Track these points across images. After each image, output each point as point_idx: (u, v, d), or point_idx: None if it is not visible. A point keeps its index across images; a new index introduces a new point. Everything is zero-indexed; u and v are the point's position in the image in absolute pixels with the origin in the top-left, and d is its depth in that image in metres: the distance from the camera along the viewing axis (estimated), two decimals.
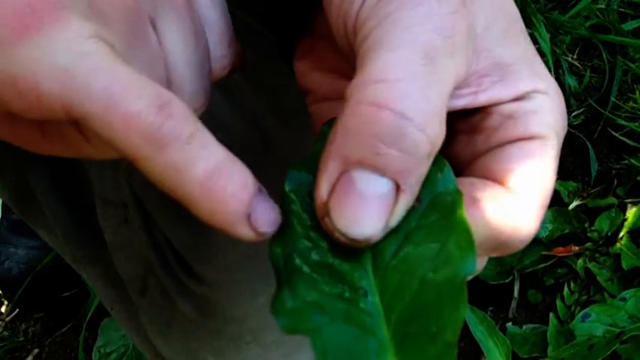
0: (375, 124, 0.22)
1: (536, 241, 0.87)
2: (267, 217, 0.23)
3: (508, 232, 0.24)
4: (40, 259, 1.08)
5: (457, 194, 0.24)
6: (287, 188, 0.25)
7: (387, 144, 0.22)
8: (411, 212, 0.24)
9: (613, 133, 0.95)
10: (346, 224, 0.22)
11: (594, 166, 0.93)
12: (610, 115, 0.95)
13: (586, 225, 0.87)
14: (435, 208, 0.24)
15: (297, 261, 0.24)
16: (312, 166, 0.24)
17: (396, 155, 0.22)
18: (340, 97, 0.24)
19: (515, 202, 0.25)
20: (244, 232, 0.23)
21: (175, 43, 0.26)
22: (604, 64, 0.98)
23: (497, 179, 0.25)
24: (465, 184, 0.25)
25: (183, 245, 0.50)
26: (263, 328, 0.52)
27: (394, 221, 0.23)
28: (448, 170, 0.24)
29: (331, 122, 0.25)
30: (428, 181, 0.24)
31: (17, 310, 1.12)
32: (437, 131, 0.23)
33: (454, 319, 0.23)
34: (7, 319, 1.13)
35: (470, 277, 0.24)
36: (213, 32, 0.29)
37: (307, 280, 0.24)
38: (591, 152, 0.93)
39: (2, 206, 1.10)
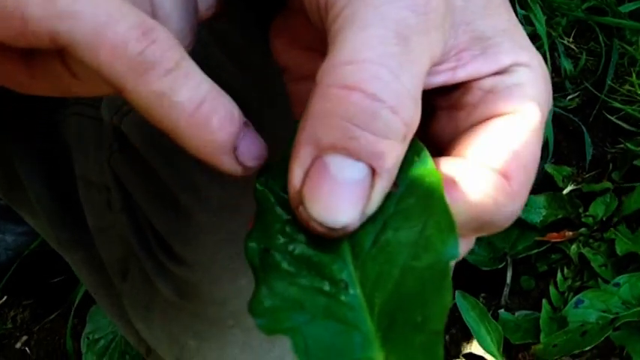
0: (346, 107, 0.21)
1: (529, 227, 0.86)
2: (253, 151, 0.23)
3: (491, 210, 0.24)
4: (29, 245, 1.07)
5: (435, 175, 0.23)
6: (259, 184, 0.24)
7: (360, 127, 0.21)
8: (388, 198, 0.23)
9: (608, 116, 0.94)
10: (321, 212, 0.22)
11: (589, 151, 0.92)
12: (606, 99, 0.93)
13: (580, 210, 0.86)
14: (413, 192, 0.23)
15: (274, 257, 0.23)
16: (285, 164, 0.23)
17: (370, 138, 0.21)
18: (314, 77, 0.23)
19: (497, 179, 0.24)
20: (230, 165, 0.23)
21: None
22: (600, 47, 0.96)
23: (478, 157, 0.24)
24: (443, 164, 0.24)
25: (164, 226, 0.49)
26: (245, 311, 0.51)
27: (371, 208, 0.22)
28: (425, 153, 0.23)
29: None
30: (404, 166, 0.23)
31: (5, 297, 1.12)
32: (411, 113, 0.22)
33: (439, 307, 0.22)
34: None
35: (454, 261, 0.23)
36: None
37: (285, 275, 0.23)
38: (586, 136, 0.92)
39: None
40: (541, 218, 0.86)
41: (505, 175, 0.24)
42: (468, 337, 0.84)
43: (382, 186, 0.22)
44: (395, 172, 0.22)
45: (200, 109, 0.22)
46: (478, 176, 0.24)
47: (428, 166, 0.23)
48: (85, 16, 0.20)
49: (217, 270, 0.49)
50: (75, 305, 1.01)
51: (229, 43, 0.45)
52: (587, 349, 0.74)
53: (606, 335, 0.74)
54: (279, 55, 0.30)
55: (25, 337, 1.08)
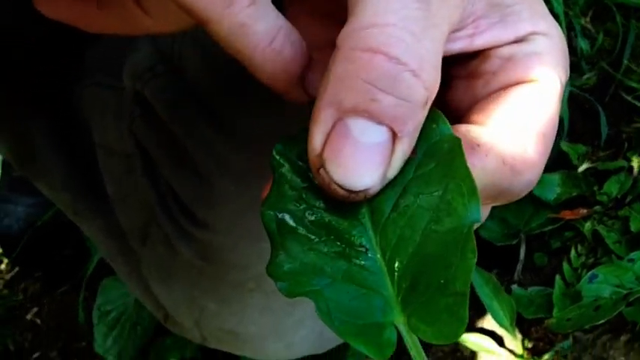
0: (369, 70, 0.21)
1: (543, 204, 0.86)
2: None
3: (509, 178, 0.24)
4: (39, 217, 1.07)
5: (455, 141, 0.23)
6: (275, 152, 0.24)
7: (382, 90, 0.21)
8: (407, 164, 0.23)
9: (624, 96, 0.93)
10: (343, 174, 0.22)
11: (604, 130, 0.91)
12: (622, 78, 0.93)
13: (595, 188, 0.86)
14: (432, 157, 0.23)
15: (291, 223, 0.24)
16: (302, 133, 0.24)
17: (392, 101, 0.21)
18: (333, 45, 0.23)
19: (514, 147, 0.24)
20: (297, 93, 0.24)
21: None
22: (617, 27, 0.96)
23: (497, 124, 0.25)
24: (461, 131, 0.24)
25: (186, 192, 0.49)
26: (266, 274, 0.51)
27: (392, 172, 0.22)
28: (443, 120, 0.24)
29: None
30: (423, 132, 0.23)
31: (17, 268, 1.12)
32: (432, 77, 0.22)
33: (463, 269, 0.22)
34: (7, 277, 1.12)
35: (476, 226, 0.23)
36: None
37: (303, 241, 0.23)
38: (602, 115, 0.92)
39: (2, 164, 1.09)
40: (555, 196, 0.86)
41: (523, 143, 0.24)
42: (480, 312, 0.85)
43: (403, 150, 0.22)
44: (415, 136, 0.23)
45: (275, 40, 0.23)
46: (496, 143, 0.24)
47: (447, 133, 0.23)
48: None
49: (240, 235, 0.49)
50: (86, 277, 1.02)
51: None
52: (599, 323, 0.75)
53: (619, 310, 0.74)
54: (293, 23, 0.30)
55: (35, 309, 1.09)
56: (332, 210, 0.24)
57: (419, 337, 0.23)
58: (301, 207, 0.24)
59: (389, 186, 0.23)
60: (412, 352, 0.22)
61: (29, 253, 1.07)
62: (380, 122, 0.21)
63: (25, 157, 0.55)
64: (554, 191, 0.86)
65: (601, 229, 0.82)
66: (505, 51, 0.25)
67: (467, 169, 0.22)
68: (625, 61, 0.94)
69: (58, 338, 1.05)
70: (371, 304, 0.23)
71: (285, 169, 0.24)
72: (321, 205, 0.24)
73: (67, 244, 1.07)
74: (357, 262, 0.23)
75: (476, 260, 0.22)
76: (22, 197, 1.08)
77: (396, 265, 0.23)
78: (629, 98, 0.93)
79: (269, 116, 0.44)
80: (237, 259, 0.51)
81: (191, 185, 0.49)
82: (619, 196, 0.85)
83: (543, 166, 0.25)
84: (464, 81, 0.27)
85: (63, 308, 1.07)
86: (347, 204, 0.23)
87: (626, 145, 0.90)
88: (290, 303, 0.54)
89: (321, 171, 0.22)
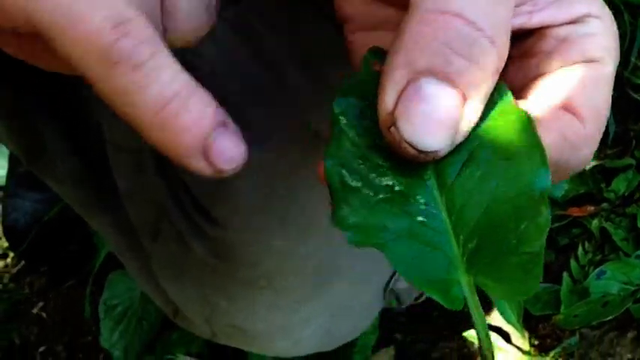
0: (446, 32, 0.21)
1: (551, 201, 0.86)
2: (227, 154, 0.21)
3: (567, 152, 0.24)
4: (46, 212, 1.07)
5: (520, 110, 0.23)
6: (336, 110, 0.24)
7: (458, 53, 0.21)
8: (473, 130, 0.23)
9: (632, 94, 0.93)
10: (415, 134, 0.22)
11: (612, 127, 0.91)
12: (630, 77, 0.93)
13: (602, 185, 0.86)
14: (498, 126, 0.23)
15: (353, 179, 0.23)
16: (360, 92, 0.24)
17: (467, 66, 0.21)
18: (379, 28, 0.23)
19: (572, 122, 0.24)
20: (200, 166, 0.21)
21: None
22: (625, 26, 0.96)
23: (553, 100, 0.25)
24: (520, 105, 0.25)
25: (199, 188, 0.49)
26: (277, 272, 0.51)
27: (461, 136, 0.22)
28: (507, 91, 0.24)
29: (375, 50, 0.25)
30: (489, 101, 0.23)
31: (23, 262, 1.12)
32: (505, 45, 0.22)
33: (536, 227, 0.22)
34: (13, 271, 1.12)
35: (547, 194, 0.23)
36: None
37: (366, 198, 0.23)
38: (609, 113, 0.92)
39: (9, 160, 1.10)
40: (563, 193, 0.86)
41: (580, 118, 0.25)
42: (488, 308, 0.85)
43: (472, 115, 0.22)
44: (484, 102, 0.23)
45: (166, 109, 0.20)
46: (554, 118, 0.24)
47: (511, 102, 0.24)
48: (61, 4, 0.20)
49: (252, 232, 0.49)
50: (93, 273, 1.02)
51: (265, 14, 0.44)
52: (606, 319, 0.75)
53: (626, 307, 0.74)
54: (340, 4, 0.29)
55: (41, 303, 1.09)
56: (396, 169, 0.23)
57: (488, 294, 0.23)
58: (364, 165, 0.24)
59: (455, 150, 0.23)
60: (473, 312, 0.22)
61: (35, 247, 1.07)
62: (453, 85, 0.21)
63: (34, 152, 0.55)
64: (561, 188, 0.87)
65: (608, 226, 0.82)
66: (560, 31, 0.26)
67: (536, 136, 0.23)
68: (633, 59, 0.94)
69: (64, 332, 1.06)
70: (436, 262, 0.23)
71: (347, 126, 0.24)
72: (385, 164, 0.24)
73: (73, 239, 1.07)
74: (423, 221, 0.23)
75: (550, 220, 0.22)
76: (29, 192, 1.08)
77: (462, 226, 0.23)
78: (636, 96, 0.93)
79: (285, 107, 0.44)
80: (249, 257, 0.51)
81: (203, 181, 0.49)
82: (626, 194, 0.85)
83: (598, 142, 0.25)
84: (517, 60, 0.27)
85: (69, 302, 1.08)
86: (413, 164, 0.23)
87: (633, 142, 0.90)
88: (297, 301, 0.54)
89: (392, 129, 0.22)
